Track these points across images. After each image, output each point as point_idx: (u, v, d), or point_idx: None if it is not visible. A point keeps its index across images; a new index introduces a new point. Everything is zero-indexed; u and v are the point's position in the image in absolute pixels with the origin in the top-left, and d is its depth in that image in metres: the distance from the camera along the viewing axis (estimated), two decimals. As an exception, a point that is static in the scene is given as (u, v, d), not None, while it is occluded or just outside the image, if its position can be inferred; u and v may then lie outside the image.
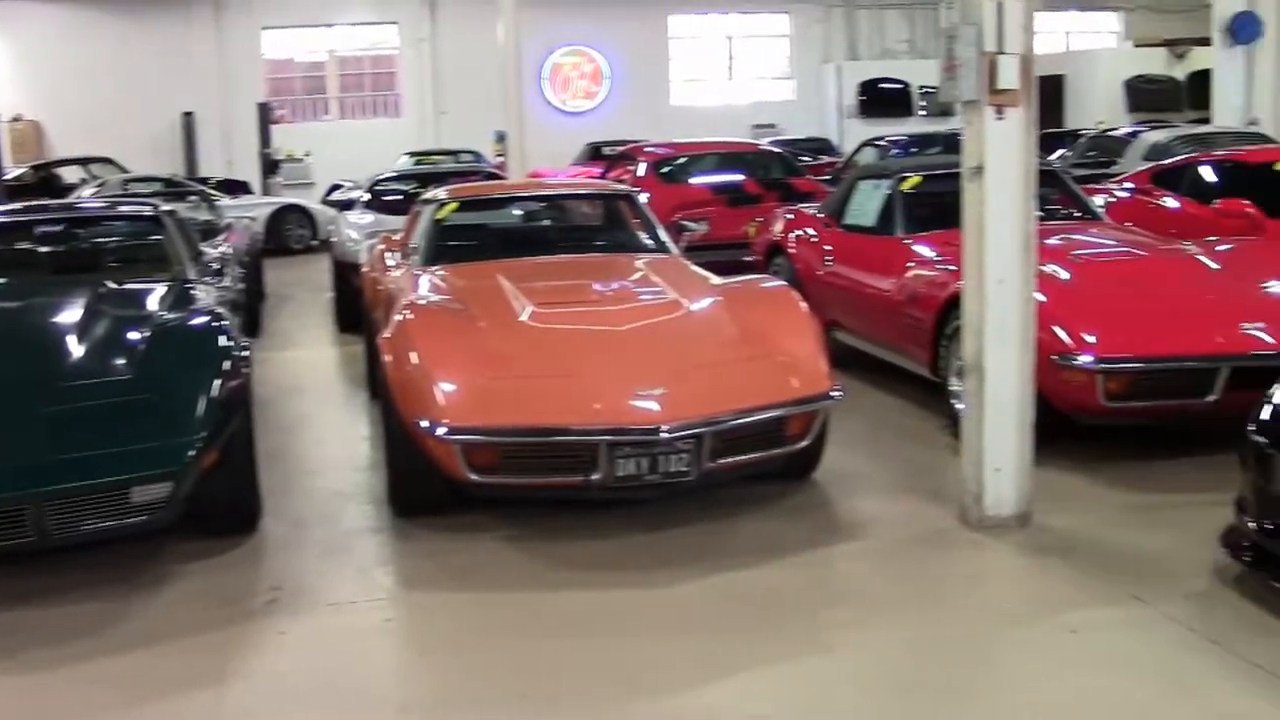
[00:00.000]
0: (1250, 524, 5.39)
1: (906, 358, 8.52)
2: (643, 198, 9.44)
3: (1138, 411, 7.06)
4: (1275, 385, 5.60)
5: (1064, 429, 7.17)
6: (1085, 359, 6.90)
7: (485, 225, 9.44)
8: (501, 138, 21.33)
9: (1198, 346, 6.97)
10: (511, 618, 5.54)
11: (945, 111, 6.46)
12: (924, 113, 30.22)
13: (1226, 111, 21.85)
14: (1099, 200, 10.69)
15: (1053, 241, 8.28)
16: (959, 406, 6.72)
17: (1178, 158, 12.33)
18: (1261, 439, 5.38)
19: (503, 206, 9.88)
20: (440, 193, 9.37)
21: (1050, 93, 29.69)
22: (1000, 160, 6.07)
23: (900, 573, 5.92)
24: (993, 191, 6.06)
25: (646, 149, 16.58)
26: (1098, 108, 27.56)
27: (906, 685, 4.83)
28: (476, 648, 5.27)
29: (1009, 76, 6.02)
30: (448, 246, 8.65)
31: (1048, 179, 9.69)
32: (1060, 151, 18.61)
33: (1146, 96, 28.58)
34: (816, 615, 5.56)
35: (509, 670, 5.03)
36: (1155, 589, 5.48)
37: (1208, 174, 11.10)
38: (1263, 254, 8.32)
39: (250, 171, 25.80)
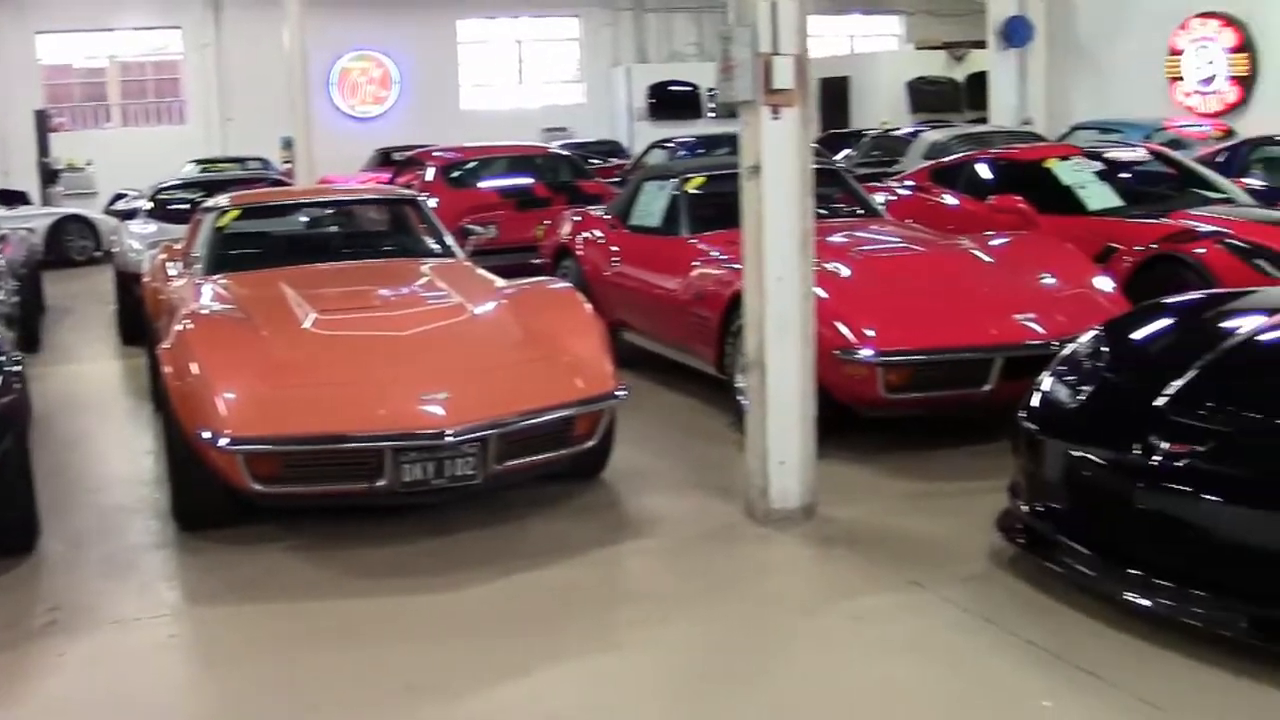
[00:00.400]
0: (1023, 508, 5.57)
1: (694, 356, 8.60)
2: (432, 203, 9.38)
3: (917, 402, 7.24)
4: (1043, 374, 5.79)
5: (847, 421, 7.33)
6: (865, 353, 7.05)
7: (268, 233, 9.28)
8: (288, 144, 21.03)
9: (973, 338, 7.18)
10: (299, 628, 5.45)
11: (733, 113, 6.52)
12: (713, 114, 30.51)
13: (1002, 111, 22.57)
14: (880, 198, 10.92)
15: (834, 239, 8.46)
16: (744, 403, 6.80)
17: (955, 156, 12.71)
18: (1032, 426, 5.56)
19: (285, 213, 9.72)
20: (221, 200, 9.20)
21: (836, 94, 30.35)
22: (777, 159, 6.16)
23: (689, 568, 5.98)
24: (770, 190, 6.15)
25: (434, 153, 16.49)
26: (882, 108, 28.16)
27: (695, 677, 4.89)
28: (263, 660, 5.18)
29: (784, 77, 6.10)
30: (230, 255, 8.49)
31: (829, 178, 9.92)
32: (845, 151, 19.01)
33: (928, 97, 29.29)
34: (606, 613, 5.59)
35: (297, 681, 4.95)
36: (935, 574, 5.62)
37: (983, 171, 11.41)
38: (1034, 248, 8.57)
39: (29, 181, 24.96)
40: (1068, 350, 5.91)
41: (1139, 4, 21.81)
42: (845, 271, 7.79)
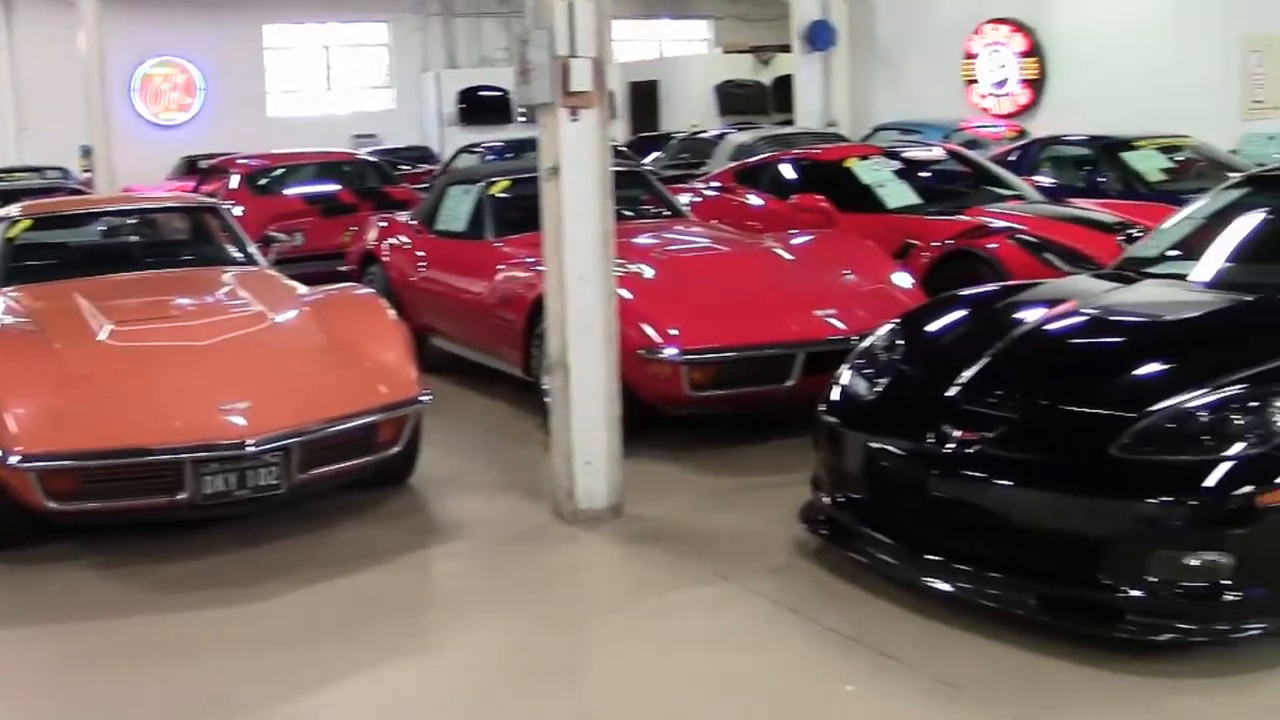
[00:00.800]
0: (825, 499, 5.69)
1: (501, 360, 8.60)
2: (237, 211, 9.22)
3: (722, 399, 7.34)
4: (842, 368, 5.91)
5: (653, 420, 7.39)
6: (670, 351, 7.12)
7: (62, 243, 9.02)
8: (88, 153, 20.50)
9: (775, 335, 7.31)
10: (99, 647, 5.30)
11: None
12: (523, 118, 30.46)
13: (808, 113, 22.93)
14: (685, 199, 11.04)
15: (638, 240, 8.53)
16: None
17: (759, 157, 12.90)
18: (832, 419, 5.68)
19: (80, 223, 9.47)
20: (12, 210, 8.93)
21: (645, 98, 30.61)
22: (576, 160, 6.19)
23: (496, 570, 5.99)
24: (570, 191, 6.18)
25: (239, 161, 16.22)
26: (691, 111, 28.45)
27: (503, 678, 4.90)
28: (58, 684, 5.04)
29: (582, 79, 6.14)
30: (21, 266, 8.24)
31: (634, 180, 10.01)
32: (654, 154, 19.13)
33: (736, 100, 29.64)
34: (414, 617, 5.58)
35: (94, 703, 4.84)
36: (741, 566, 5.70)
37: (786, 171, 11.60)
38: (834, 246, 8.74)
39: None
40: (865, 344, 6.05)
41: (935, 9, 22.37)
42: (649, 272, 7.85)
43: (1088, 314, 5.85)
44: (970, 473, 4.97)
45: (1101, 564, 4.63)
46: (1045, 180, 12.68)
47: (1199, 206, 7.00)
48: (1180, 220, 6.97)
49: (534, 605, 5.53)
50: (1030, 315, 5.86)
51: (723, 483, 6.96)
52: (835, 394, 5.77)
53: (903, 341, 5.87)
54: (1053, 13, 21.02)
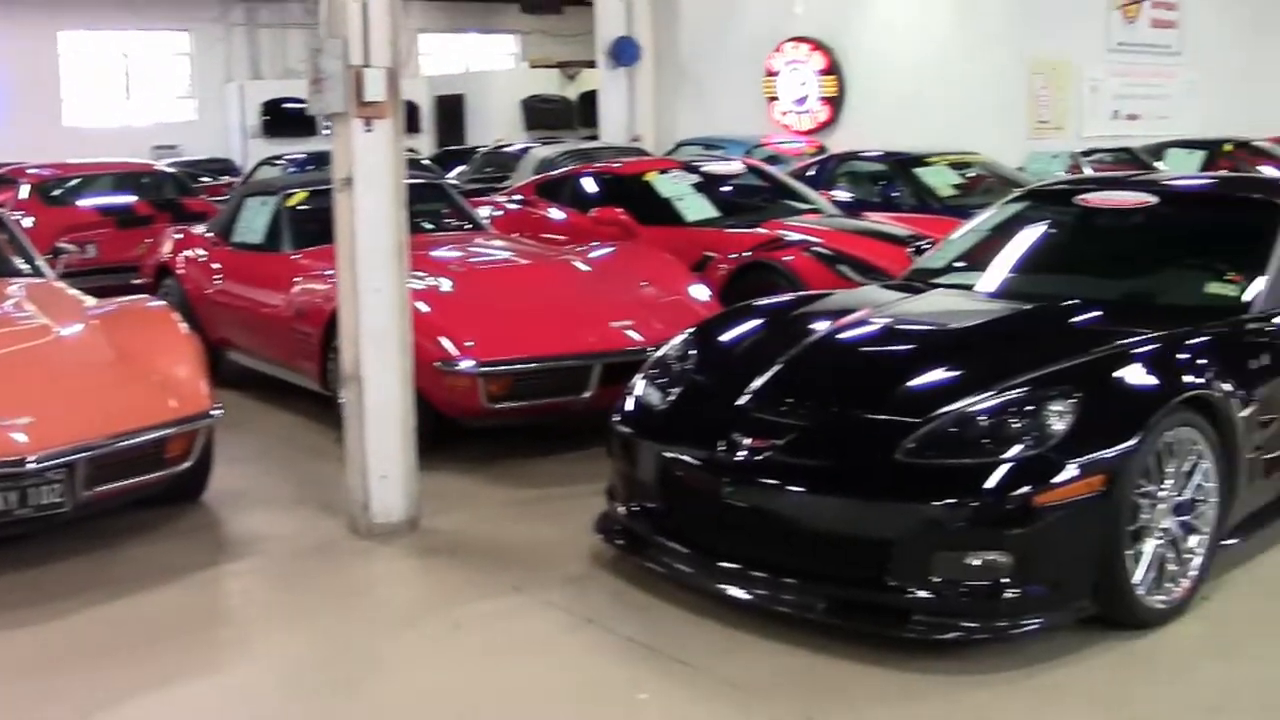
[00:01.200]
0: (620, 509, 5.72)
1: (299, 374, 8.49)
2: (27, 222, 8.94)
3: (520, 411, 7.35)
4: (635, 378, 5.96)
5: (452, 433, 7.37)
6: (466, 364, 7.11)
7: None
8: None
9: (571, 346, 7.35)
10: None
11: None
12: (327, 130, 30.03)
13: (613, 128, 23.03)
14: (486, 212, 11.03)
15: (436, 253, 8.51)
16: (348, 417, 6.75)
17: (559, 170, 12.95)
18: (625, 429, 5.73)
19: None
20: None
21: (452, 112, 30.51)
22: (369, 171, 6.15)
23: (290, 586, 5.90)
24: (363, 202, 6.13)
25: (29, 170, 15.73)
26: (497, 126, 28.43)
27: (296, 694, 4.84)
28: None
29: (376, 89, 6.10)
30: None
31: (433, 192, 9.97)
32: (459, 168, 19.08)
33: (542, 115, 29.75)
34: (206, 635, 5.46)
35: None
36: (536, 578, 5.71)
37: (587, 185, 11.64)
38: (633, 258, 8.82)
39: None
40: (658, 353, 6.11)
41: (738, 27, 22.66)
42: (446, 285, 7.84)
43: (876, 323, 6.00)
44: (761, 480, 5.04)
45: (889, 566, 4.74)
46: (842, 195, 12.96)
47: (983, 219, 7.22)
48: (965, 233, 7.18)
49: (326, 621, 5.46)
50: (821, 324, 6.00)
51: (521, 494, 6.96)
52: (629, 404, 5.82)
53: (695, 351, 5.95)
54: (851, 33, 21.46)
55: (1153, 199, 6.80)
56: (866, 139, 16.01)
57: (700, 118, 22.66)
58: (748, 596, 5.05)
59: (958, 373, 5.29)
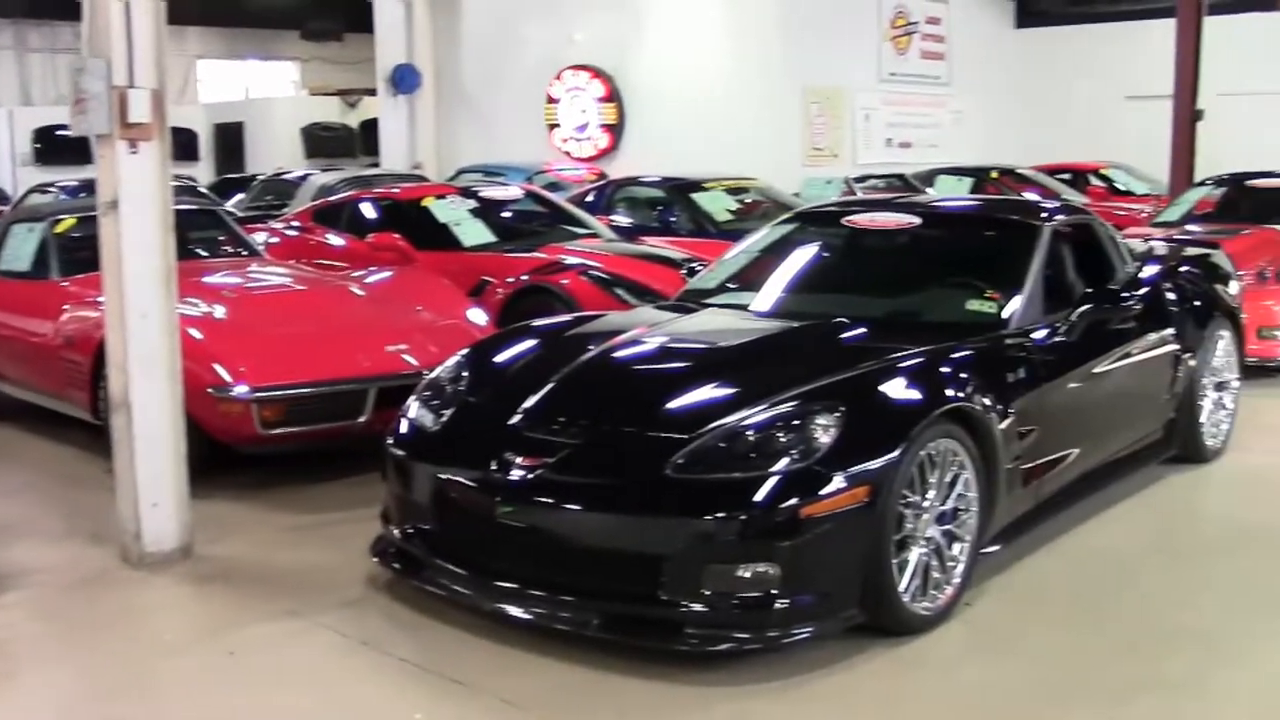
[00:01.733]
0: (395, 532, 5.69)
1: (69, 403, 8.25)
2: None
3: (295, 437, 7.25)
4: (409, 400, 5.94)
5: (227, 460, 7.26)
6: (240, 389, 7.01)
7: None
8: None
9: (346, 371, 7.29)
10: None
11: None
12: (102, 158, 29.32)
13: (393, 156, 22.93)
14: (262, 238, 10.89)
15: (209, 279, 8.38)
16: (118, 446, 6.60)
17: (338, 196, 12.84)
18: (399, 451, 5.70)
19: None
20: None
21: (231, 140, 29.94)
22: (136, 194, 6.02)
23: (59, 618, 5.73)
24: (129, 226, 6.00)
25: None
26: (278, 154, 27.94)
27: (59, 730, 4.70)
28: None
29: (141, 110, 5.99)
30: None
31: (207, 218, 9.81)
32: (239, 196, 18.77)
33: (323, 143, 29.36)
34: (-36, 674, 5.26)
35: None
36: (312, 602, 5.64)
37: (365, 211, 11.54)
38: (408, 283, 8.79)
39: None
40: (432, 375, 6.10)
41: (519, 55, 22.74)
42: (219, 310, 7.73)
43: (648, 342, 6.10)
44: (535, 499, 5.07)
45: (661, 581, 4.79)
46: (622, 220, 13.09)
47: (754, 241, 7.38)
48: (737, 254, 7.33)
49: (95, 652, 5.32)
50: (594, 344, 6.05)
51: (297, 520, 6.88)
52: (402, 426, 5.80)
53: (468, 372, 5.96)
54: (630, 61, 21.71)
55: (917, 220, 7.02)
56: (647, 166, 16.20)
57: (482, 145, 22.67)
58: (526, 615, 5.06)
59: (727, 389, 5.38)
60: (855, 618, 4.99)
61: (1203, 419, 7.73)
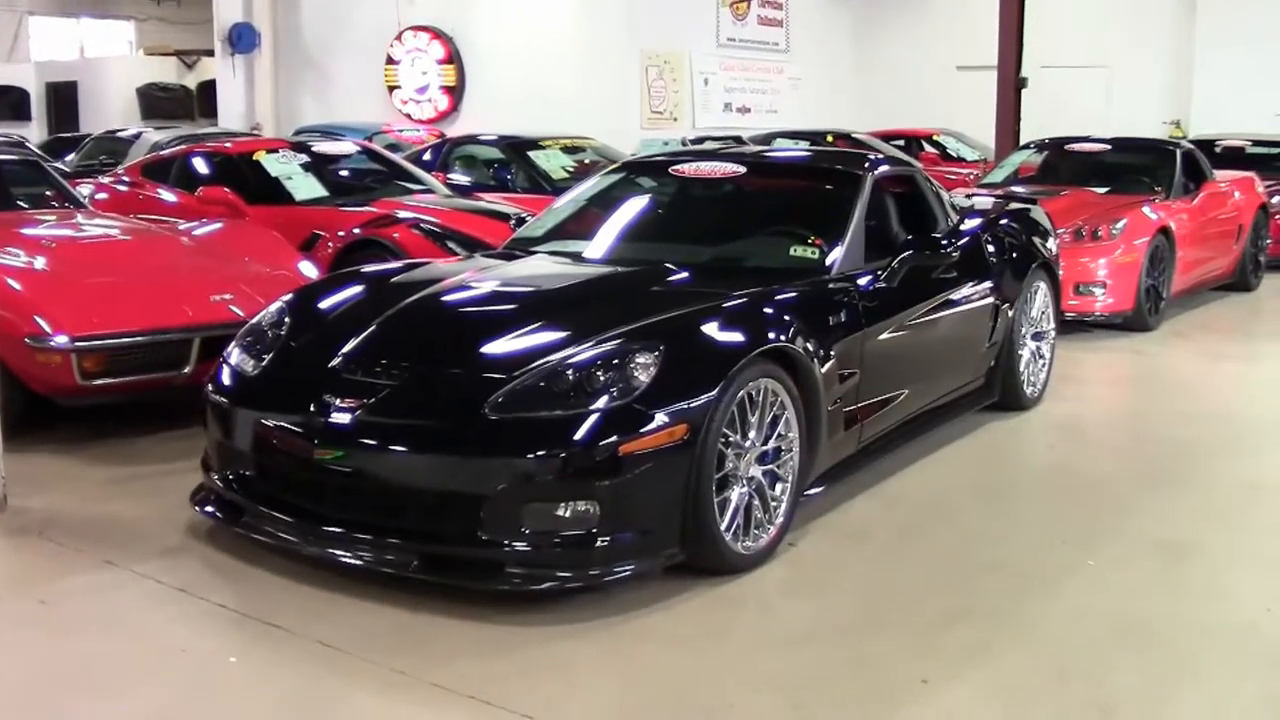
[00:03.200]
0: (216, 479, 5.60)
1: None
2: None
3: (117, 388, 7.08)
4: (230, 346, 5.86)
5: (49, 412, 7.14)
6: (58, 339, 6.83)
7: None
8: None
9: (169, 320, 7.14)
10: None
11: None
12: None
13: (231, 117, 22.62)
14: (87, 190, 10.68)
15: (29, 230, 8.16)
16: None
17: (167, 151, 12.61)
18: (219, 397, 5.61)
19: None
20: None
21: (65, 100, 29.25)
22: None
23: None
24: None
25: None
26: (113, 115, 27.41)
27: None
28: None
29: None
30: None
31: (31, 171, 9.58)
32: (70, 155, 18.34)
33: (160, 104, 28.85)
34: None
35: None
36: (130, 552, 5.53)
37: (195, 166, 11.33)
38: (237, 236, 8.64)
39: None
40: (253, 321, 6.02)
41: (359, 15, 22.49)
42: (39, 261, 7.52)
43: (472, 286, 6.08)
44: (352, 441, 5.02)
45: (482, 521, 4.79)
46: (460, 179, 13.05)
47: (582, 190, 7.41)
48: (565, 203, 7.35)
49: (-99, 606, 5.18)
50: (419, 289, 6.01)
51: (118, 473, 6.74)
52: (223, 372, 5.72)
53: (290, 317, 5.89)
54: (470, 23, 21.60)
55: (742, 169, 7.08)
56: (487, 128, 16.14)
57: (322, 106, 22.44)
58: (348, 558, 5.02)
59: (549, 331, 5.37)
60: (676, 556, 5.03)
61: (1021, 368, 7.92)
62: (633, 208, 7.16)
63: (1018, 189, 12.20)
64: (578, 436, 4.74)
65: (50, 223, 8.65)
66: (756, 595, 5.15)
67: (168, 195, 11.06)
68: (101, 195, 11.18)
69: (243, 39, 22.42)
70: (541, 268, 6.53)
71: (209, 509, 5.61)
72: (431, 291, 5.96)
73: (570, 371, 4.97)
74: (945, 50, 24.58)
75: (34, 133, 26.74)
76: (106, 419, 7.44)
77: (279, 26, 22.99)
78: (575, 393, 4.90)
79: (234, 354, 5.79)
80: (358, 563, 5.00)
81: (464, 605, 4.86)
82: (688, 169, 7.14)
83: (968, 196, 9.33)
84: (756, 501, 5.32)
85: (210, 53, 25.67)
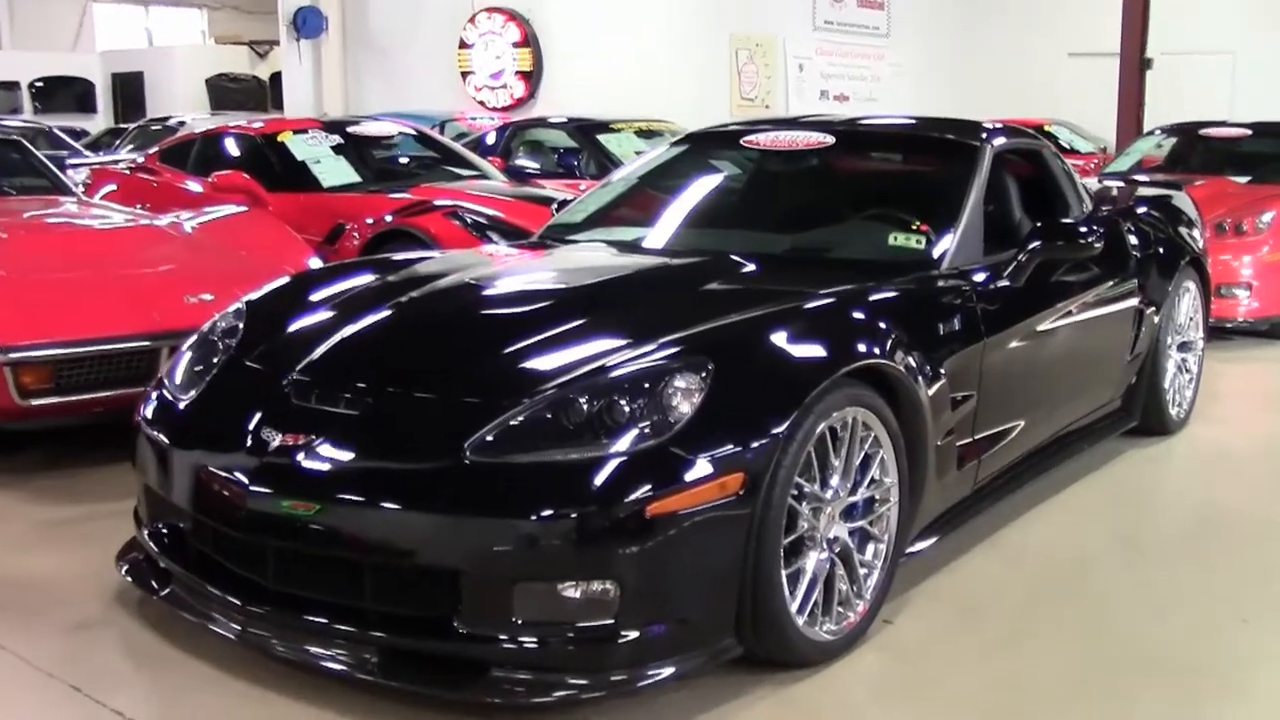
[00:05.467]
0: (145, 533, 4.35)
1: None
2: None
3: (67, 409, 5.84)
4: (169, 364, 4.64)
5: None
6: (-11, 350, 5.63)
7: None
8: None
9: (131, 325, 5.92)
10: None
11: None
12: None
13: (299, 107, 21.68)
14: (83, 176, 9.59)
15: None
16: None
17: (184, 134, 11.51)
18: (145, 430, 4.37)
19: None
20: None
21: (131, 91, 28.48)
22: None
23: None
24: None
25: None
26: (180, 106, 26.56)
27: None
28: None
29: None
30: None
31: (16, 152, 8.47)
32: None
33: (229, 94, 28.08)
34: None
35: None
36: (29, 627, 4.31)
37: (215, 148, 10.20)
38: (239, 225, 7.39)
39: None
40: (204, 328, 4.75)
41: (430, -2, 21.46)
42: (-13, 253, 6.33)
43: (477, 284, 4.78)
44: (288, 490, 3.71)
45: (458, 606, 3.48)
46: (524, 164, 11.85)
47: (635, 167, 6.21)
48: (614, 182, 6.16)
49: None
50: (410, 288, 4.72)
51: (60, 513, 5.50)
52: (153, 397, 4.46)
53: (244, 322, 4.61)
54: (547, 4, 20.45)
55: (830, 140, 5.73)
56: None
57: (393, 94, 21.37)
58: (291, 655, 3.73)
59: (561, 343, 4.02)
60: (731, 649, 3.71)
61: (1166, 385, 6.56)
62: (694, 187, 5.84)
63: (1144, 178, 10.74)
64: (591, 490, 3.41)
65: (17, 211, 7.45)
66: (840, 699, 3.81)
67: (183, 182, 9.89)
68: (110, 186, 10.01)
69: (308, 23, 21.37)
70: (571, 260, 5.22)
71: (131, 572, 4.34)
72: (423, 292, 4.66)
73: (584, 399, 3.62)
74: (1058, 36, 23.14)
75: (98, 126, 25.91)
76: (72, 442, 6.24)
77: (347, 10, 21.95)
78: (590, 428, 3.55)
79: (172, 372, 4.53)
80: (291, 657, 3.71)
81: (441, 717, 3.56)
82: (763, 140, 5.80)
83: (1099, 182, 7.92)
84: (840, 570, 3.99)
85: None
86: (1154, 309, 6.30)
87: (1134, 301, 6.15)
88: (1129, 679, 3.96)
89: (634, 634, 3.47)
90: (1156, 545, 5.32)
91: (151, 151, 11.15)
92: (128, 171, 10.49)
